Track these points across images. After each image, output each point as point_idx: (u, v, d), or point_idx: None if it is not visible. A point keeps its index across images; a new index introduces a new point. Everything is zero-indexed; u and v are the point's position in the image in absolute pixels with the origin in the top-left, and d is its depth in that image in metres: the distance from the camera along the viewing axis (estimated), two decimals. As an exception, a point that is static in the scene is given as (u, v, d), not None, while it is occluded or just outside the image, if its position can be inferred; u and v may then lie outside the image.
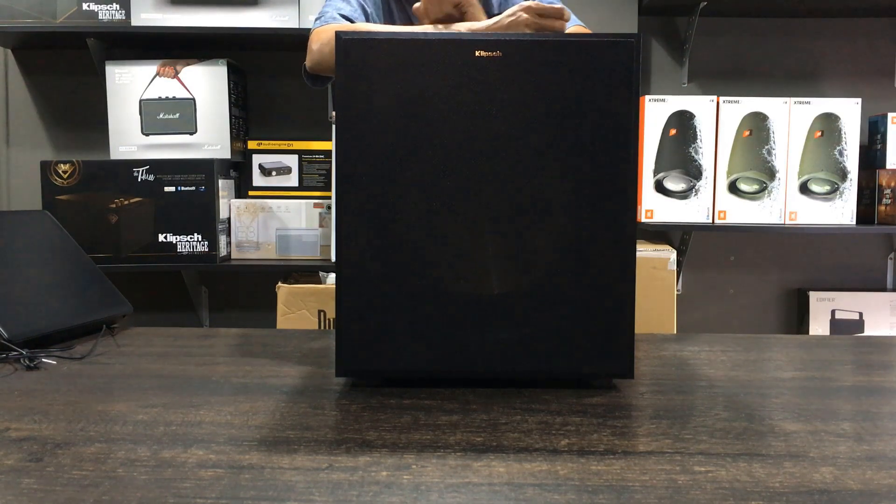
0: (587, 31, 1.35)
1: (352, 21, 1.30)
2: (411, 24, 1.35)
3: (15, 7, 2.14)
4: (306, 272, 2.23)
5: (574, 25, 1.34)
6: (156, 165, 2.08)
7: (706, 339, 1.16)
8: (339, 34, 0.82)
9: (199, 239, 2.10)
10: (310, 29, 1.32)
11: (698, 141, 2.13)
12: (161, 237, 2.09)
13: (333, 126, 2.05)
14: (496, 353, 0.84)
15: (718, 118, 2.13)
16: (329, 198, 2.22)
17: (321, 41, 1.26)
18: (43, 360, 0.99)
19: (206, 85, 2.16)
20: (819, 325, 2.35)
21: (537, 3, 1.11)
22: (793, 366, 1.00)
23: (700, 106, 2.12)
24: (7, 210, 2.37)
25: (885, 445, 0.69)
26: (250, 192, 2.30)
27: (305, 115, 2.39)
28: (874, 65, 2.41)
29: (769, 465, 0.64)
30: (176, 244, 2.10)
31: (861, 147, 2.17)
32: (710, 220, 2.15)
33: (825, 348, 1.11)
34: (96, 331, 1.16)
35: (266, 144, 2.30)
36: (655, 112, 2.13)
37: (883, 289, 2.46)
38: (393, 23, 1.36)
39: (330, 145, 2.27)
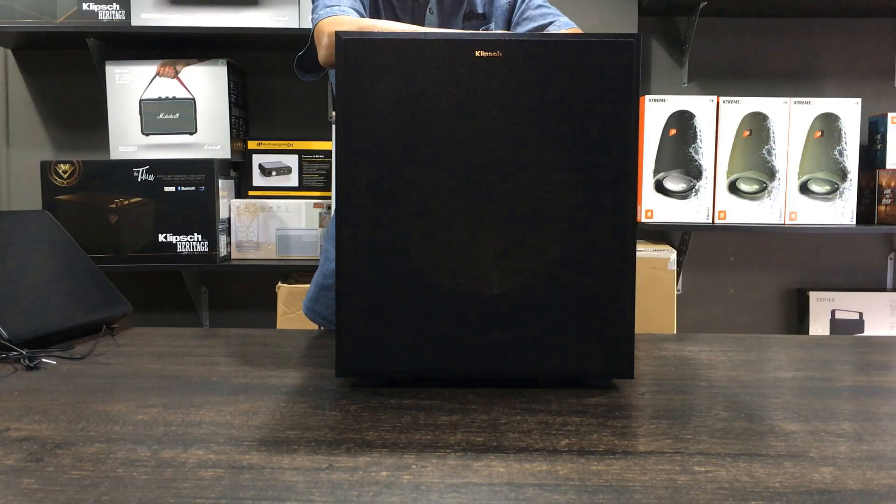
0: (579, 31, 1.35)
1: (361, 14, 1.28)
2: (397, 19, 1.35)
3: (15, 7, 2.14)
4: (306, 272, 2.23)
5: (567, 28, 1.34)
6: (156, 165, 2.08)
7: (706, 339, 1.16)
8: (338, 34, 0.82)
9: (199, 239, 2.10)
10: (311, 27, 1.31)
11: (698, 141, 2.13)
12: (161, 237, 2.09)
13: (333, 126, 2.05)
14: (496, 353, 0.84)
15: (718, 118, 2.13)
16: (329, 198, 2.22)
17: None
18: (43, 360, 0.99)
19: (206, 85, 2.16)
20: (819, 325, 2.35)
21: None
22: (793, 366, 1.00)
23: (700, 106, 2.12)
24: (7, 210, 2.37)
25: (885, 445, 0.69)
26: (250, 192, 2.30)
27: (305, 115, 2.39)
28: (874, 65, 2.41)
29: (769, 465, 0.64)
30: (176, 244, 2.10)
31: (861, 147, 2.17)
32: (710, 220, 2.15)
33: (825, 348, 1.11)
34: (96, 331, 1.16)
35: (266, 144, 2.30)
36: (655, 112, 2.13)
37: (883, 289, 2.46)
38: (378, 17, 1.35)
39: (330, 145, 2.27)
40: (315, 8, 1.27)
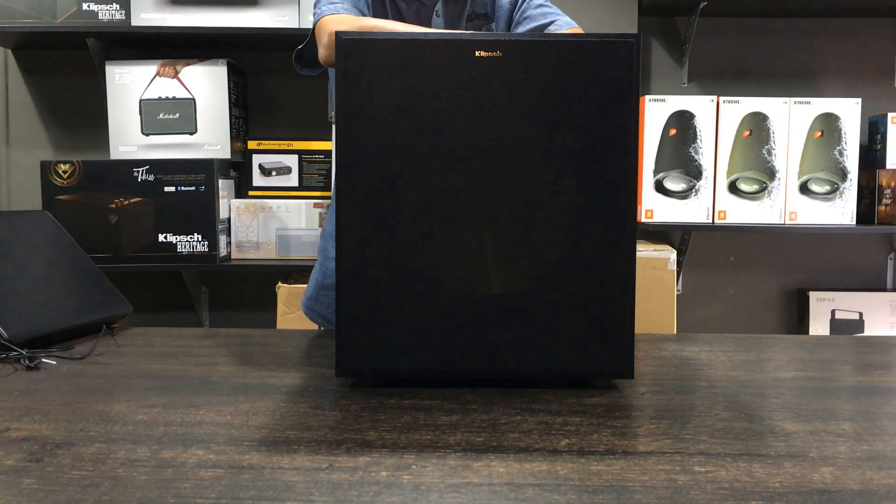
0: (580, 31, 1.35)
1: (361, 13, 1.28)
2: (402, 19, 1.35)
3: (15, 7, 2.14)
4: (306, 272, 2.23)
5: (568, 27, 1.34)
6: (156, 165, 2.08)
7: (706, 339, 1.16)
8: (338, 34, 0.82)
9: (199, 239, 2.10)
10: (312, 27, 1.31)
11: (698, 141, 2.13)
12: (161, 237, 2.09)
13: (333, 126, 2.05)
14: (496, 353, 0.84)
15: (718, 118, 2.13)
16: (329, 198, 2.22)
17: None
18: (43, 360, 0.99)
19: (206, 85, 2.16)
20: (819, 325, 2.35)
21: None
22: (793, 366, 1.00)
23: (700, 106, 2.12)
24: (7, 210, 2.37)
25: (885, 445, 0.69)
26: (250, 192, 2.30)
27: (305, 115, 2.39)
28: (874, 65, 2.41)
29: (769, 465, 0.64)
30: (176, 244, 2.10)
31: (861, 147, 2.17)
32: (710, 220, 2.15)
33: (825, 348, 1.11)
34: (96, 331, 1.16)
35: (266, 144, 2.30)
36: (655, 112, 2.13)
37: (883, 289, 2.46)
38: (385, 16, 1.35)
39: (330, 145, 2.27)
40: (317, 4, 1.27)
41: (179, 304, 2.43)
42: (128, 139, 2.17)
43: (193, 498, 0.57)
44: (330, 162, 2.29)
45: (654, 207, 2.14)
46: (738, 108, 2.13)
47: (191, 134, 2.17)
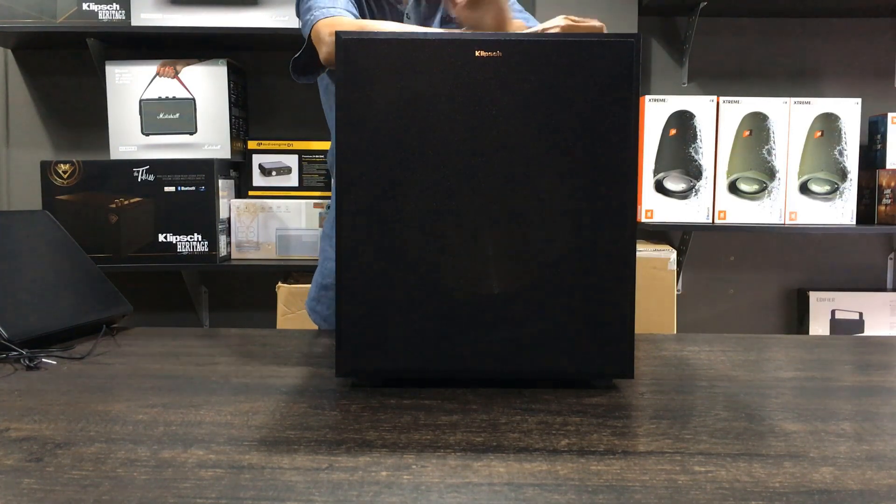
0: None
1: (355, 15, 1.28)
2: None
3: (15, 7, 2.14)
4: (306, 272, 2.23)
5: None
6: (156, 165, 2.08)
7: (706, 339, 1.16)
8: (339, 34, 0.82)
9: (199, 239, 2.10)
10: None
11: (698, 141, 2.13)
12: (161, 237, 2.09)
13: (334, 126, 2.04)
14: (496, 353, 0.84)
15: (718, 118, 2.13)
16: (329, 198, 2.22)
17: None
18: (43, 360, 0.99)
19: (206, 85, 2.16)
20: (819, 325, 2.35)
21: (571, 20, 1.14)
22: (793, 366, 1.00)
23: (700, 106, 2.12)
24: (7, 210, 2.37)
25: (885, 445, 0.69)
26: (250, 192, 2.30)
27: (305, 115, 2.39)
28: (874, 65, 2.41)
29: (769, 465, 0.64)
30: (176, 244, 2.10)
31: (861, 147, 2.17)
32: (710, 220, 2.15)
33: (825, 348, 1.11)
34: (96, 331, 1.16)
35: (266, 144, 2.30)
36: (655, 112, 2.13)
37: (883, 289, 2.46)
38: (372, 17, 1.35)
39: (330, 145, 2.27)
40: (309, 9, 1.26)
41: (179, 304, 2.43)
42: (128, 139, 2.17)
43: (193, 498, 0.57)
44: (330, 162, 2.29)
45: (654, 207, 2.14)
46: (738, 108, 2.13)
47: (191, 134, 2.17)
